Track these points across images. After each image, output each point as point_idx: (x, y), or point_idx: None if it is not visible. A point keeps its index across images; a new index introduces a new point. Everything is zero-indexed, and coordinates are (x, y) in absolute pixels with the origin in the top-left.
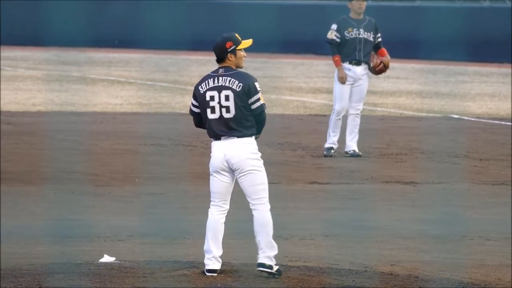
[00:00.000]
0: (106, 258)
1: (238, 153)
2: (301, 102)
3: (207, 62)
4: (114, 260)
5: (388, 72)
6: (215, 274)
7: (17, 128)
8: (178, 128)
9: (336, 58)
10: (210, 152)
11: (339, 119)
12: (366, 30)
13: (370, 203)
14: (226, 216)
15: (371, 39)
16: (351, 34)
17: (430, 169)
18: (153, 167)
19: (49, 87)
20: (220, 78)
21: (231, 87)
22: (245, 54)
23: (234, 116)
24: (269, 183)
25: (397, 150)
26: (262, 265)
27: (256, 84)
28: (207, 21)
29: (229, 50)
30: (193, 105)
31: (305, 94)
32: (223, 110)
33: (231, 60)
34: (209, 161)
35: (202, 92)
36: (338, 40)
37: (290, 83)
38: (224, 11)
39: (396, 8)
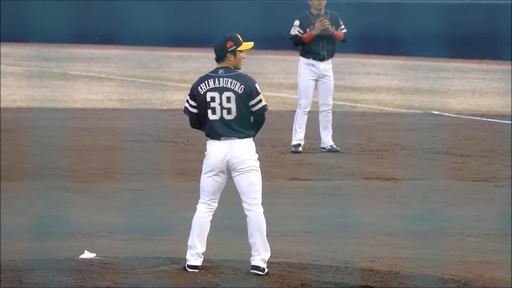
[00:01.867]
0: (87, 254)
1: (240, 153)
2: (281, 98)
3: (188, 58)
4: (95, 256)
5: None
6: (196, 270)
7: None
8: (159, 124)
9: (305, 36)
10: (199, 149)
11: (305, 113)
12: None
13: (351, 199)
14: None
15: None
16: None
17: (411, 165)
18: (133, 163)
19: (30, 83)
20: (221, 79)
21: (233, 89)
22: (244, 55)
23: (235, 117)
24: None
25: (377, 147)
26: (257, 268)
27: (257, 86)
28: (188, 18)
29: (229, 50)
30: (191, 105)
31: (286, 90)
32: (224, 111)
33: (230, 60)
34: (203, 160)
35: (202, 92)
36: (300, 35)
37: (270, 79)
38: (205, 7)
39: (377, 5)
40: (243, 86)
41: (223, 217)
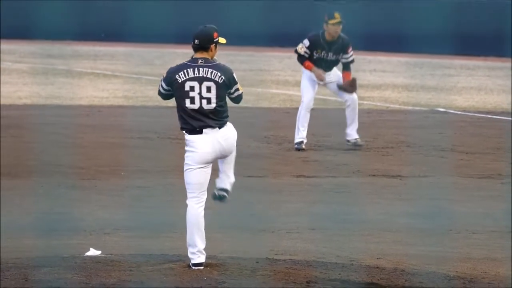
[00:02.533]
0: (92, 252)
1: (231, 141)
2: (287, 96)
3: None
4: (100, 254)
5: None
6: (202, 268)
7: (3, 122)
8: (164, 121)
9: (307, 64)
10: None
11: (308, 112)
12: (335, 53)
13: (357, 196)
14: (209, 210)
15: (337, 59)
16: (319, 55)
17: (417, 162)
18: (139, 160)
19: (35, 80)
20: (201, 68)
21: (213, 79)
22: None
23: (215, 108)
24: (255, 176)
25: (383, 144)
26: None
27: (234, 75)
28: (193, 15)
29: (215, 40)
30: (163, 88)
31: (292, 88)
32: (204, 101)
33: (212, 51)
34: (185, 155)
35: (180, 81)
36: (306, 56)
37: (276, 76)
38: (210, 5)
39: (383, 2)
40: (223, 77)
41: (228, 214)
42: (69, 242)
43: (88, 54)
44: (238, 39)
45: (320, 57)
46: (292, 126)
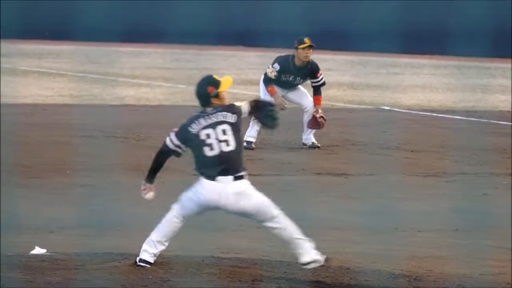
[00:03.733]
0: (37, 250)
1: (240, 198)
2: (232, 94)
3: (139, 54)
4: (45, 252)
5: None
6: (148, 266)
7: None
8: (109, 119)
9: (270, 88)
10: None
11: None
12: (303, 77)
13: (302, 194)
14: (155, 208)
15: (303, 82)
16: (286, 79)
17: (362, 160)
18: (84, 158)
19: None
20: (212, 116)
21: (226, 121)
22: (226, 93)
23: (235, 148)
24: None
25: (328, 142)
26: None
27: (240, 105)
28: (138, 12)
29: (211, 95)
30: (174, 144)
31: (237, 86)
32: (223, 144)
33: (215, 103)
34: (193, 188)
35: (195, 132)
36: (274, 78)
37: (221, 75)
38: (156, 2)
39: (328, 0)
40: (235, 115)
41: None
42: (14, 240)
43: (33, 52)
44: (184, 37)
45: (288, 80)
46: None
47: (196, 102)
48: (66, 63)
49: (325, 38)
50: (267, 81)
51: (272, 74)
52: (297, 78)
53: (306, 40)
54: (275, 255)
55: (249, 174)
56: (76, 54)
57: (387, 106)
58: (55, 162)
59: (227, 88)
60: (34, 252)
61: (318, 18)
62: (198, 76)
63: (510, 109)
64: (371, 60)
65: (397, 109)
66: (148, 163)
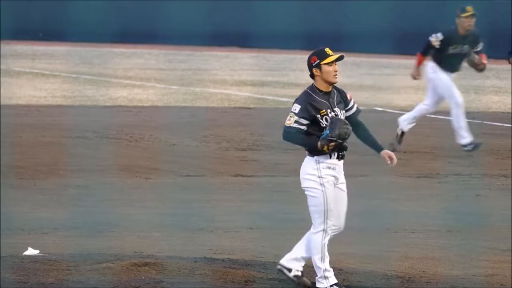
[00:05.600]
0: (30, 251)
1: (301, 171)
2: (225, 95)
3: (131, 55)
4: (38, 253)
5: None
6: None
7: None
8: (102, 120)
9: (420, 58)
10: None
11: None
12: (471, 45)
13: (295, 195)
14: (148, 209)
15: (470, 51)
16: (456, 50)
17: (354, 162)
18: (78, 159)
19: None
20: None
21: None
22: (335, 68)
23: None
24: (193, 175)
25: None
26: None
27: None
28: (132, 14)
29: (313, 65)
30: (302, 124)
31: (230, 87)
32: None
33: (317, 74)
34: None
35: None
36: (437, 47)
37: (214, 75)
38: (150, 3)
39: (321, 1)
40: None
41: (166, 214)
42: (7, 241)
43: (26, 53)
44: (177, 38)
45: (456, 53)
46: (230, 126)
47: (186, 103)
48: (60, 64)
49: (318, 39)
50: (425, 50)
51: (435, 43)
52: (464, 46)
53: (469, 8)
54: (268, 256)
55: (242, 175)
56: (69, 55)
57: (380, 107)
58: (49, 163)
59: (330, 61)
60: (27, 253)
61: (311, 19)
62: (190, 77)
63: (503, 110)
64: (364, 61)
65: (390, 110)
66: (142, 163)
